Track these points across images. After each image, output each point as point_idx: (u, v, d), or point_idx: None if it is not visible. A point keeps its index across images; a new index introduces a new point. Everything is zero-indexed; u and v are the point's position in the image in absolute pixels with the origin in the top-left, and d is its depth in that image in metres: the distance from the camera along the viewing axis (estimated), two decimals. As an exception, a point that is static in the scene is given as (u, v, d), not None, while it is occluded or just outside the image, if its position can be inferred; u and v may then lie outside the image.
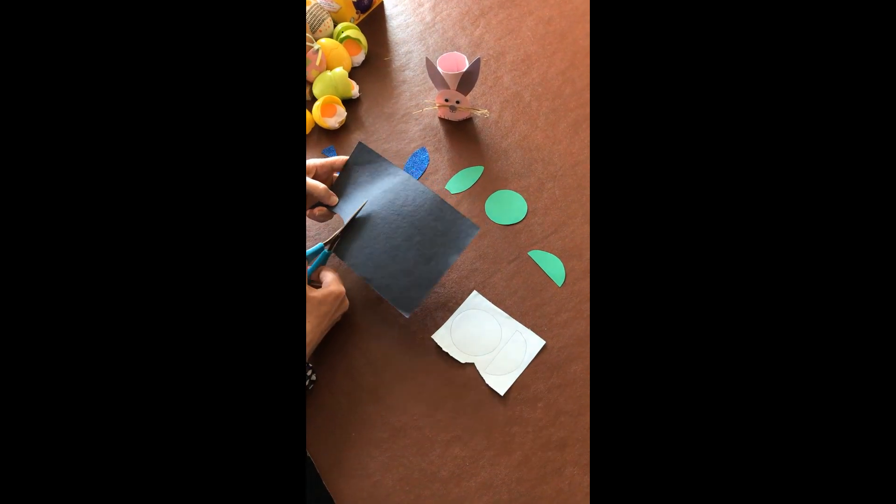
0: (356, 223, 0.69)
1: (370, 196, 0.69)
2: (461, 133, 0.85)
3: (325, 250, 0.69)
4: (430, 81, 0.87)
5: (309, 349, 0.62)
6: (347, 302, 0.68)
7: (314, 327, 0.62)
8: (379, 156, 0.72)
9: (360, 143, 0.73)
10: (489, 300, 0.70)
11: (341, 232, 0.69)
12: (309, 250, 0.68)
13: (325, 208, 0.71)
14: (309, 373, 0.63)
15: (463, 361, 0.66)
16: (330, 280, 0.66)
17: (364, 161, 0.72)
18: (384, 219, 0.68)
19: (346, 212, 0.70)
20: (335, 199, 0.71)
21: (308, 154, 0.85)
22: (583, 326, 0.67)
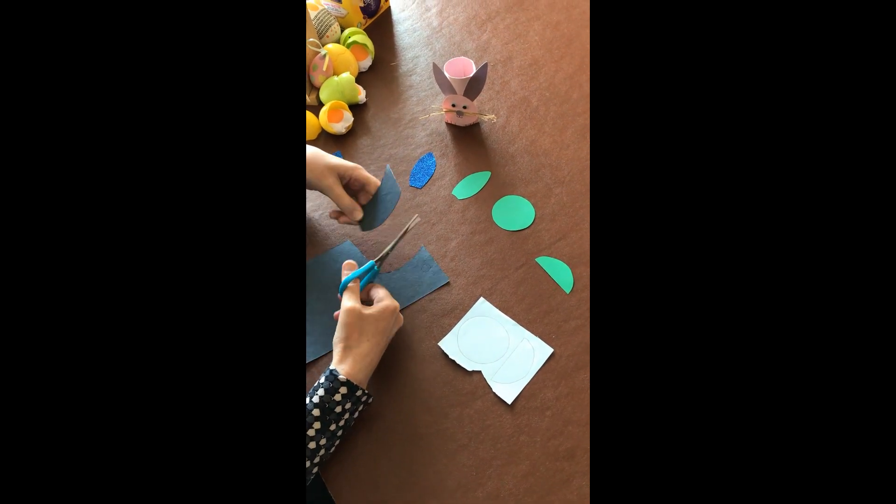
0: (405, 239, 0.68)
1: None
2: (468, 138, 0.85)
3: (376, 268, 0.66)
4: (437, 86, 0.86)
5: (369, 371, 0.60)
6: (402, 317, 0.66)
7: (373, 346, 0.60)
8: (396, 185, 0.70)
9: (387, 166, 0.71)
10: (496, 307, 0.69)
11: (391, 248, 0.67)
12: (360, 269, 0.65)
13: (345, 215, 0.71)
14: (365, 397, 0.59)
15: (470, 369, 0.65)
16: (382, 295, 0.64)
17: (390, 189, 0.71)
18: None
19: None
20: (359, 214, 0.70)
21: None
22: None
